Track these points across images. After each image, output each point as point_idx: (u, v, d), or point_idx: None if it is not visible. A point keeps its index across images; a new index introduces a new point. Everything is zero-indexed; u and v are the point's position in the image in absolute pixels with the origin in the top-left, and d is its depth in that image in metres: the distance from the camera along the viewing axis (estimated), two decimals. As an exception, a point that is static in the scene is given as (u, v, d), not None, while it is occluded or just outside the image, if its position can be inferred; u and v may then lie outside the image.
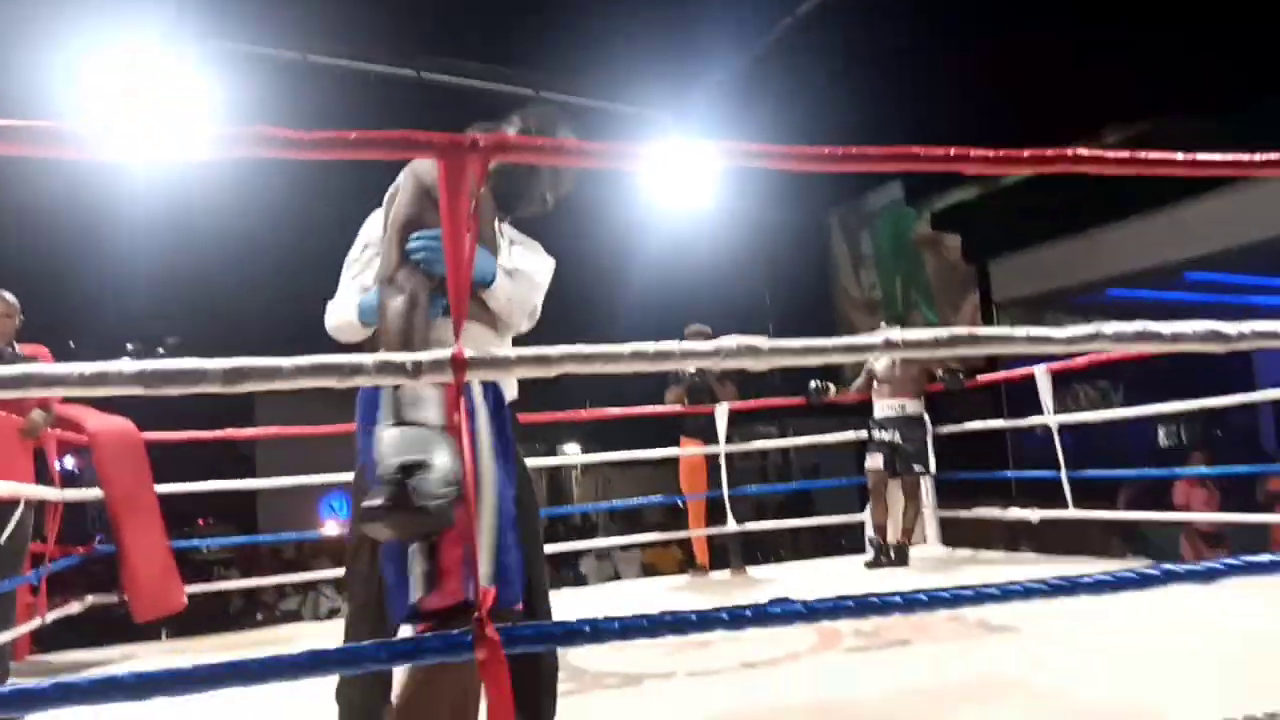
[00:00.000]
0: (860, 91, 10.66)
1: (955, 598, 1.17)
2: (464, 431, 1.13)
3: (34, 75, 5.79)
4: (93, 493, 4.17)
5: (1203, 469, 6.49)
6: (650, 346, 1.17)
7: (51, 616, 3.97)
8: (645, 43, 7.71)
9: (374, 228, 2.00)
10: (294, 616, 8.82)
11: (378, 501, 1.22)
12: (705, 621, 1.00)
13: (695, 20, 7.40)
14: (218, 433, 5.61)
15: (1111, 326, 1.34)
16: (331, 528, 15.63)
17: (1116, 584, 1.22)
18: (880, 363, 5.39)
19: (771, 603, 1.08)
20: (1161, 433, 12.95)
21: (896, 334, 1.30)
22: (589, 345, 1.14)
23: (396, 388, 1.28)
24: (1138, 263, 10.28)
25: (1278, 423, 11.93)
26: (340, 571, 7.63)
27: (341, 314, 1.92)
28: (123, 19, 5.47)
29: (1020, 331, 1.33)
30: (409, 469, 1.22)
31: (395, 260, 1.53)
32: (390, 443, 1.26)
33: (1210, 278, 11.11)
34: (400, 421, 1.28)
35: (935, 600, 1.11)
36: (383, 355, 1.07)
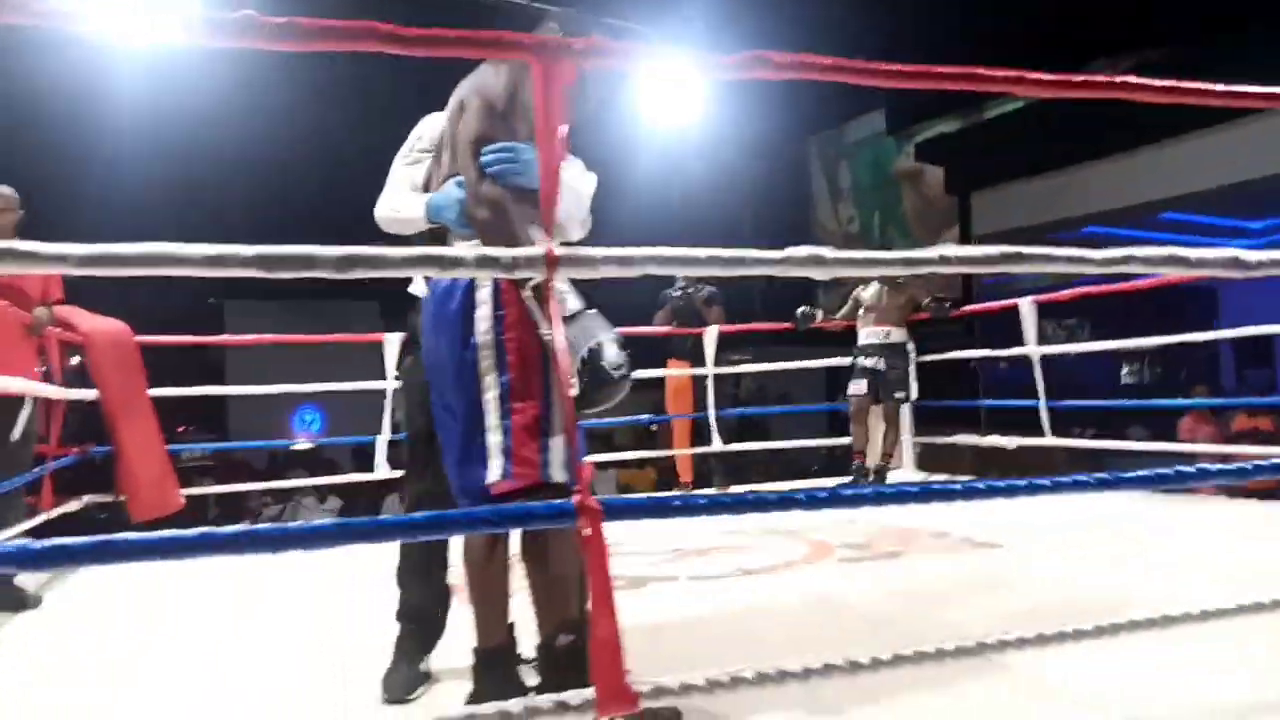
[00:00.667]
0: (849, 7, 10.58)
1: (968, 490, 1.27)
2: (556, 317, 1.20)
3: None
4: (90, 393, 4.18)
5: (1206, 401, 6.63)
6: (725, 252, 1.22)
7: (55, 513, 4.01)
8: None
9: (430, 128, 2.05)
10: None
11: (580, 385, 1.47)
12: (784, 501, 1.08)
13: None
14: (205, 339, 5.61)
15: (1143, 251, 1.41)
16: (303, 442, 15.71)
17: (1075, 486, 1.33)
18: (868, 291, 5.47)
19: (841, 486, 1.17)
20: (1124, 370, 13.27)
21: (951, 250, 1.36)
22: (669, 248, 1.19)
23: (537, 295, 1.52)
24: (1116, 201, 10.42)
25: (1237, 362, 12.27)
26: (317, 480, 7.75)
27: (403, 208, 1.95)
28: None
29: (1061, 252, 1.40)
30: (594, 352, 1.47)
31: (475, 176, 1.65)
32: (573, 334, 1.49)
33: (1186, 218, 11.29)
34: (565, 316, 1.49)
35: (992, 490, 1.21)
36: (482, 249, 1.12)
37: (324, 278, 1.06)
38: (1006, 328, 5.25)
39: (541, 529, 1.58)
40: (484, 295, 1.67)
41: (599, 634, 1.03)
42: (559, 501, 1.05)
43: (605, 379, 1.48)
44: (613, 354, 1.49)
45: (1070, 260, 1.37)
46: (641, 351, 5.89)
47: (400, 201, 1.98)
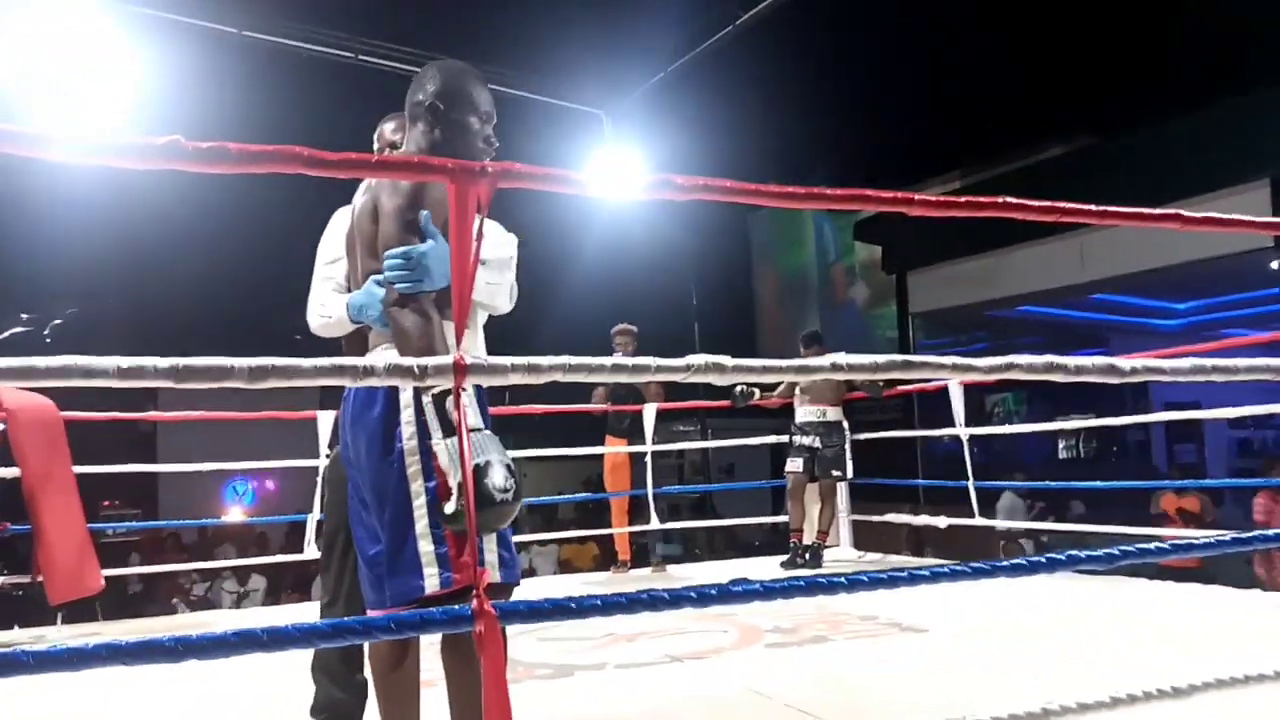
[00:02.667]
0: (788, 101, 10.98)
1: (892, 579, 1.32)
2: (464, 425, 1.24)
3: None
4: (10, 471, 4.08)
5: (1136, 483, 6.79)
6: (629, 360, 1.28)
7: (-34, 596, 3.88)
8: (586, 39, 7.81)
9: (341, 227, 2.07)
10: (202, 604, 8.67)
11: (455, 505, 1.42)
12: (676, 599, 1.12)
13: (636, 19, 7.54)
14: (142, 414, 5.54)
15: (1024, 359, 1.50)
16: (235, 514, 15.34)
17: (1012, 569, 1.39)
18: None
19: (733, 582, 1.21)
20: (1061, 445, 13.59)
21: (842, 358, 1.44)
22: (575, 357, 1.25)
23: (438, 405, 1.46)
24: (1048, 282, 10.80)
25: (1169, 442, 12.64)
26: (247, 561, 7.58)
27: (329, 312, 1.98)
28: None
29: (948, 360, 1.49)
30: (480, 470, 1.40)
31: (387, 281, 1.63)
32: (455, 450, 1.42)
33: (1115, 299, 11.75)
34: (452, 430, 1.44)
35: (875, 581, 1.26)
36: (393, 359, 1.16)
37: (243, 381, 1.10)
38: (942, 404, 5.38)
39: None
40: (406, 399, 1.66)
41: (493, 740, 1.06)
42: (455, 607, 1.08)
43: (487, 501, 1.40)
44: (499, 476, 1.42)
45: (956, 368, 1.46)
46: (581, 428, 5.94)
47: (327, 302, 2.01)
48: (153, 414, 6.28)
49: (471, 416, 1.48)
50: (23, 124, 1.08)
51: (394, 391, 1.67)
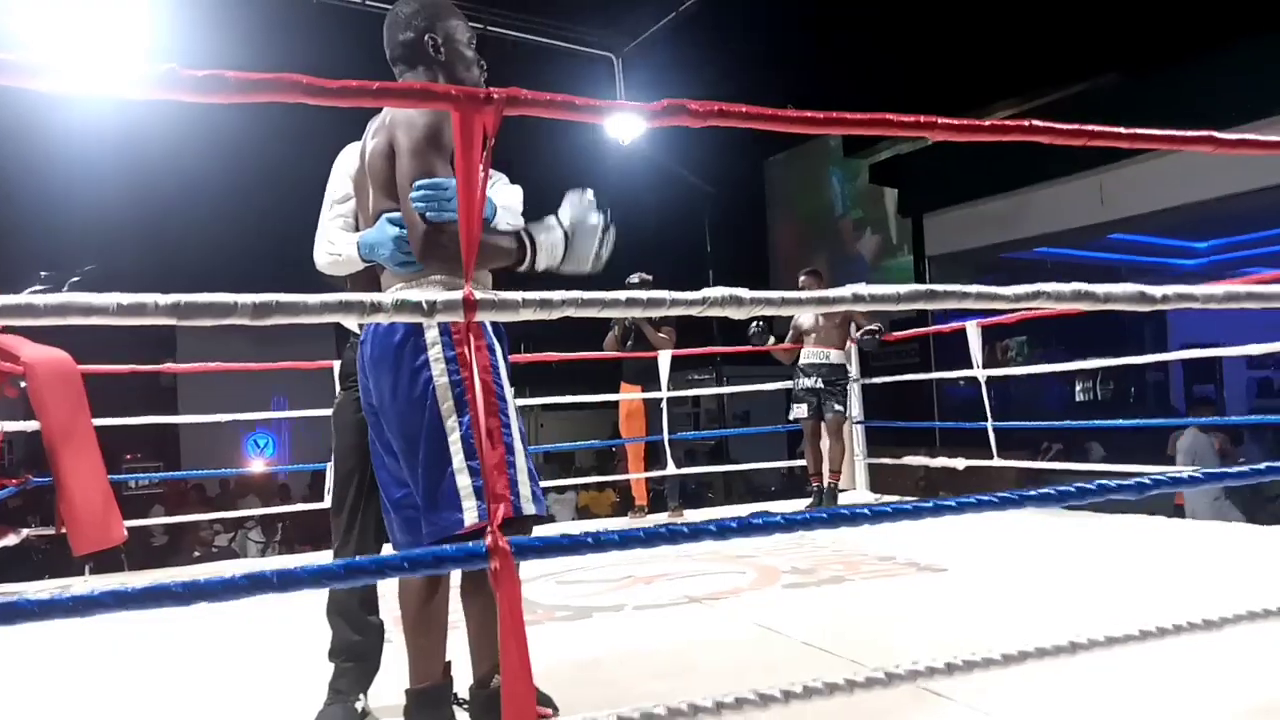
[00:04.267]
0: (801, 45, 10.76)
1: (916, 509, 1.30)
2: (474, 363, 1.21)
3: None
4: (30, 424, 4.11)
5: (1157, 420, 6.74)
6: (644, 294, 1.25)
7: (-7, 547, 3.93)
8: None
9: (349, 165, 2.04)
10: (227, 554, 8.79)
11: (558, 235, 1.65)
12: (696, 533, 1.10)
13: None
14: (151, 367, 5.55)
15: (1052, 286, 1.45)
16: (257, 465, 15.51)
17: (1016, 501, 1.36)
18: (805, 316, 5.56)
19: (753, 515, 1.19)
20: (1078, 388, 13.51)
21: (863, 288, 1.40)
22: (588, 291, 1.22)
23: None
24: (1066, 223, 10.64)
25: (1187, 383, 12.54)
26: (266, 510, 7.67)
27: (339, 250, 1.96)
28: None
29: (972, 289, 1.44)
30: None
31: (418, 216, 1.61)
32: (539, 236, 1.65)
33: (1134, 239, 11.58)
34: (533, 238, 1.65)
35: (898, 512, 1.24)
36: (400, 294, 1.14)
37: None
38: (959, 347, 5.33)
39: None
40: (433, 335, 1.66)
41: (509, 673, 1.05)
42: (470, 544, 1.07)
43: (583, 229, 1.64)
44: (556, 229, 1.64)
45: (981, 296, 1.42)
46: (599, 375, 5.91)
47: (336, 240, 1.98)
48: (169, 365, 6.31)
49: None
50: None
51: (418, 330, 1.66)
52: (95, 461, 4.30)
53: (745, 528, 1.14)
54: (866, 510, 1.20)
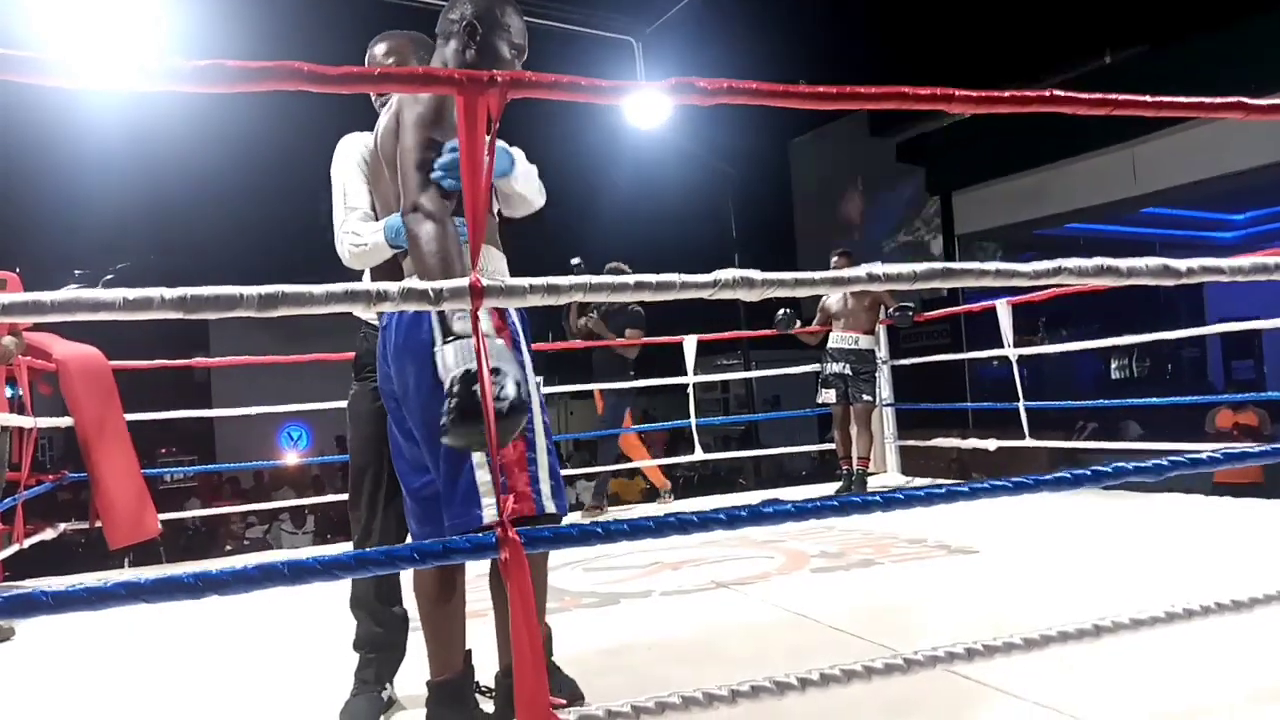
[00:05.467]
0: (823, 20, 10.64)
1: (929, 496, 1.27)
2: (484, 352, 1.19)
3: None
4: (64, 420, 4.16)
5: (1191, 398, 6.56)
6: (653, 278, 1.23)
7: (28, 543, 3.99)
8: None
9: (353, 149, 2.02)
10: (261, 546, 8.90)
11: (449, 413, 1.30)
12: (706, 521, 1.09)
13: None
14: (181, 361, 5.61)
15: (1073, 262, 1.42)
16: (291, 458, 15.68)
17: (1043, 485, 1.33)
18: (833, 298, 5.50)
19: (764, 503, 1.17)
20: (1113, 366, 13.33)
21: (878, 268, 1.37)
22: (595, 276, 1.20)
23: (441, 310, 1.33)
24: (1097, 197, 10.47)
25: (1225, 358, 12.32)
26: (303, 501, 7.74)
27: (364, 240, 1.91)
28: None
29: (990, 266, 1.41)
30: (471, 376, 1.30)
31: (415, 186, 1.58)
32: (453, 354, 1.36)
33: (1168, 212, 11.36)
34: (453, 335, 1.39)
35: (910, 499, 1.21)
36: (407, 283, 1.12)
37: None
38: (990, 327, 5.26)
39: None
40: None
41: (521, 664, 1.04)
42: (480, 535, 1.06)
43: (496, 412, 1.27)
44: (509, 386, 1.30)
45: (1000, 274, 1.39)
46: (625, 363, 5.88)
47: (360, 230, 1.93)
48: (199, 360, 6.39)
49: (461, 325, 1.39)
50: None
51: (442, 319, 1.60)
52: (128, 456, 4.37)
53: (755, 516, 1.12)
54: (878, 498, 1.17)
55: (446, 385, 1.34)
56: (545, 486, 1.60)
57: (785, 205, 15.88)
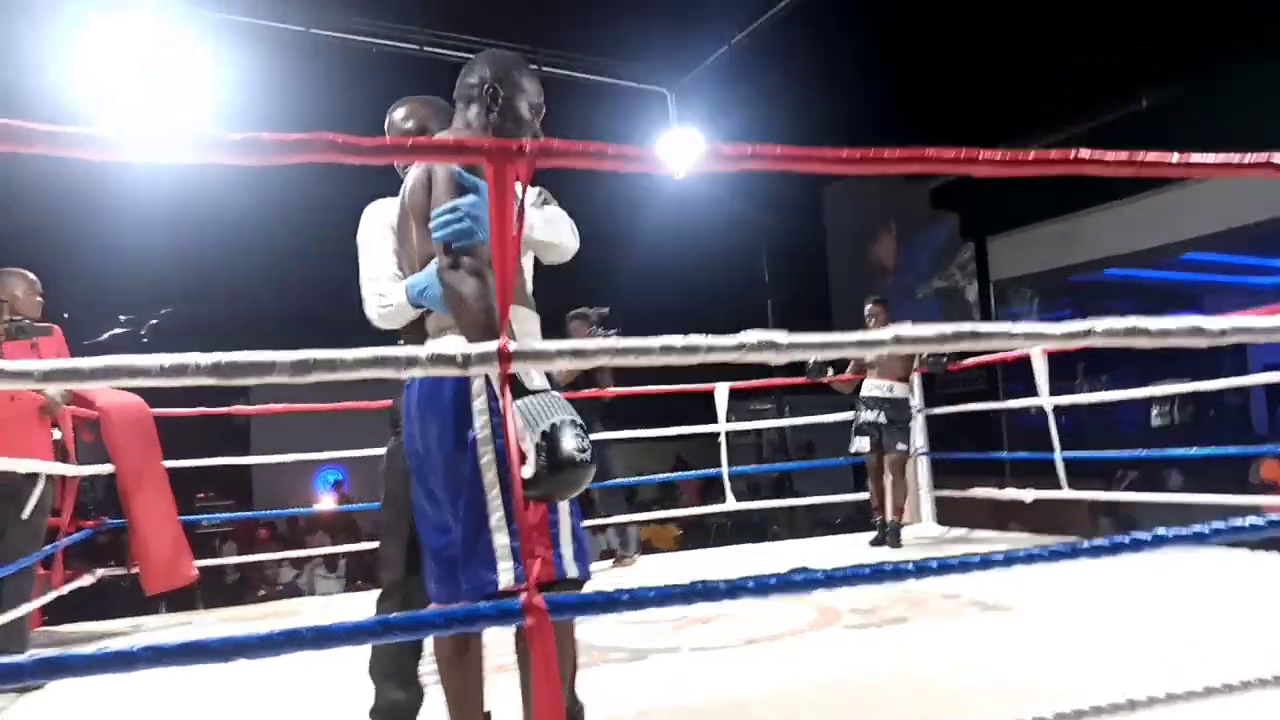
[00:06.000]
0: (854, 72, 10.70)
1: (963, 565, 1.26)
2: (510, 413, 1.21)
3: (32, 46, 5.80)
4: (105, 468, 4.24)
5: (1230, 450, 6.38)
6: (678, 340, 1.24)
7: (67, 589, 4.05)
8: (646, 19, 7.73)
9: (380, 215, 2.06)
10: (293, 591, 8.93)
11: (535, 468, 1.37)
12: (733, 590, 1.08)
13: (696, -1, 7.43)
14: (222, 409, 5.70)
15: (1103, 323, 1.41)
16: (327, 502, 15.77)
17: (1100, 550, 1.31)
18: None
19: (793, 571, 1.16)
20: (1154, 412, 13.08)
21: (905, 329, 1.37)
22: (622, 339, 1.22)
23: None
24: (1136, 243, 10.36)
25: (1270, 405, 12.05)
26: (337, 549, 7.77)
27: (390, 300, 1.92)
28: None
29: (1019, 328, 1.41)
30: (553, 431, 1.37)
31: (439, 249, 1.59)
32: (530, 411, 1.40)
33: (1208, 258, 11.20)
34: (527, 391, 1.43)
35: (944, 568, 1.20)
36: (435, 348, 1.14)
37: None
38: (1028, 373, 5.20)
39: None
40: (479, 385, 1.61)
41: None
42: (505, 601, 1.06)
43: (564, 462, 1.37)
44: (572, 437, 1.38)
45: (1029, 336, 1.38)
46: (661, 409, 5.85)
47: (387, 291, 1.94)
48: (238, 408, 6.50)
49: (538, 378, 1.46)
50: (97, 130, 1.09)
51: (465, 380, 1.61)
52: (167, 503, 4.43)
53: (784, 585, 1.12)
54: (911, 566, 1.16)
55: (534, 438, 1.38)
56: (567, 550, 1.58)
57: (819, 251, 15.88)
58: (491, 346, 1.14)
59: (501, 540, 1.55)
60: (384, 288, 1.97)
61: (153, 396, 4.53)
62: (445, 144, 1.22)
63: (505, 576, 1.53)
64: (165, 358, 1.07)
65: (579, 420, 1.44)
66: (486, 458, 1.58)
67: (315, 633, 0.98)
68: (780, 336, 1.28)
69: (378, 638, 1.01)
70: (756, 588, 1.09)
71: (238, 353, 1.09)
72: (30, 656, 0.98)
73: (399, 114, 2.04)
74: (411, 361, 1.13)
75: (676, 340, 1.24)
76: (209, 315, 14.86)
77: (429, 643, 1.72)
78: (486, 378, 1.60)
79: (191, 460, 4.93)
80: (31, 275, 3.80)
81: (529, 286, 1.86)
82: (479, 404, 1.61)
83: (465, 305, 1.54)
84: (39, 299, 3.76)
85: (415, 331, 1.92)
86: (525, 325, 1.75)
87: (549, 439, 1.38)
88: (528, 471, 1.37)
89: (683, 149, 7.27)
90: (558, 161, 1.16)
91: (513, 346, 1.15)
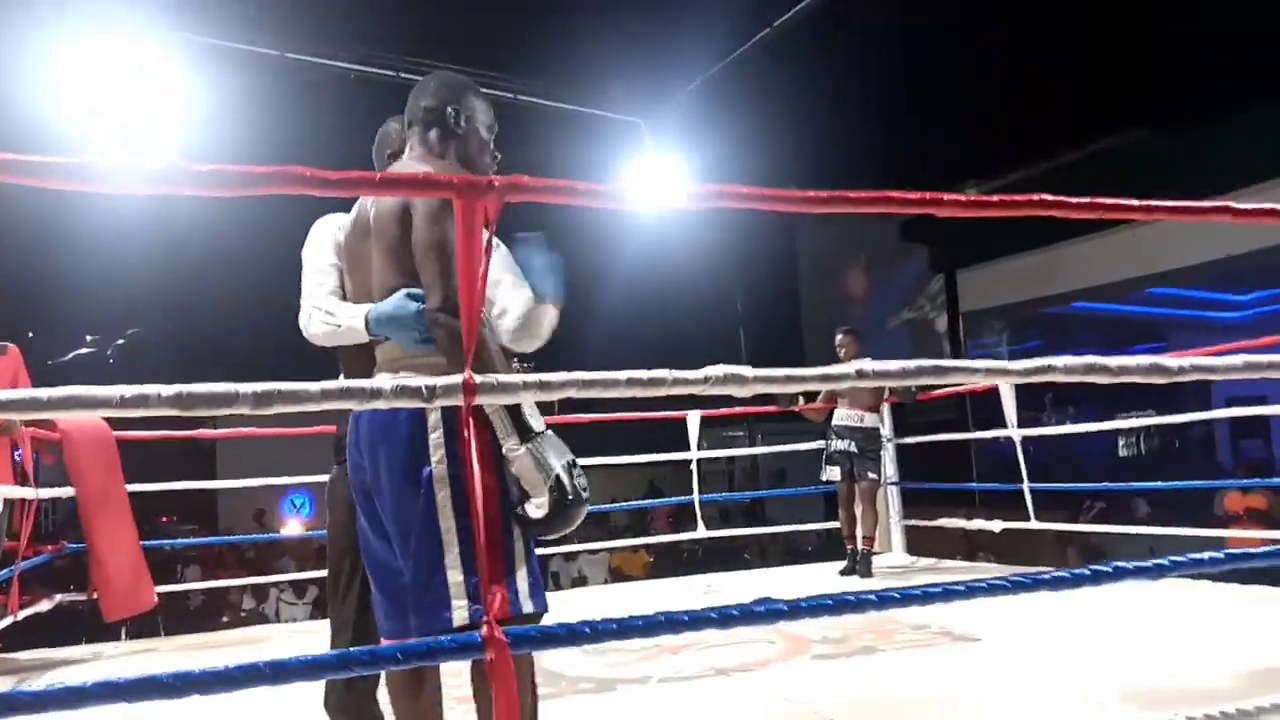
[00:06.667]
0: (828, 105, 10.85)
1: (925, 595, 1.27)
2: (473, 449, 1.21)
3: (6, 68, 5.76)
4: (66, 491, 4.17)
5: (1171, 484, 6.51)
6: (644, 374, 1.25)
7: (23, 614, 3.96)
8: (622, 49, 7.80)
9: (331, 233, 2.03)
10: (258, 617, 8.79)
11: (548, 508, 1.47)
12: (696, 621, 1.08)
13: (671, 28, 7.51)
14: (186, 432, 5.63)
15: (1062, 360, 1.44)
16: (294, 526, 15.58)
17: (1062, 582, 1.33)
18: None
19: (756, 602, 1.17)
20: (1121, 444, 13.24)
21: (868, 364, 1.39)
22: (587, 372, 1.22)
23: (512, 412, 1.49)
24: (1102, 277, 10.53)
25: (1233, 438, 12.24)
26: (302, 575, 7.67)
27: (339, 320, 1.84)
28: (99, 13, 5.45)
29: (980, 365, 1.43)
30: (566, 469, 1.47)
31: (442, 282, 1.54)
32: (540, 453, 1.49)
33: (1173, 293, 11.41)
34: (531, 434, 1.50)
35: (906, 598, 1.21)
36: (401, 380, 1.14)
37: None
38: (997, 404, 5.25)
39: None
40: (435, 419, 1.56)
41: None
42: (464, 635, 1.06)
43: (575, 502, 1.46)
44: (576, 477, 1.48)
45: (990, 372, 1.40)
46: (633, 435, 5.86)
47: (336, 311, 1.87)
48: (205, 431, 6.41)
49: (536, 420, 1.51)
50: (75, 155, 1.08)
51: (419, 412, 1.56)
52: (128, 528, 4.36)
53: (747, 615, 1.12)
54: (873, 596, 1.17)
55: (548, 480, 1.46)
56: (523, 585, 1.53)
57: (791, 281, 16.00)
58: (458, 379, 1.14)
59: (455, 578, 1.51)
60: (329, 305, 1.91)
61: (116, 419, 4.48)
62: (415, 179, 1.23)
63: (459, 614, 1.49)
64: (126, 389, 1.06)
65: (574, 459, 1.51)
66: (442, 493, 1.55)
67: (273, 668, 0.97)
68: (745, 370, 1.29)
69: (336, 672, 1.00)
70: (719, 618, 1.10)
71: (199, 384, 1.08)
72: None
73: (395, 126, 2.03)
74: (376, 393, 1.12)
75: (642, 374, 1.25)
76: (175, 336, 14.72)
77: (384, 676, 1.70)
78: (442, 411, 1.56)
79: (155, 484, 4.86)
80: None
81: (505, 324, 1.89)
82: (435, 438, 1.57)
83: (459, 348, 1.46)
84: None
85: (358, 357, 1.86)
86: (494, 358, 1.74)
87: (559, 481, 1.46)
88: (538, 512, 1.45)
89: (655, 181, 7.33)
90: (527, 196, 1.17)
91: (477, 379, 1.15)
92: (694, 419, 5.63)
